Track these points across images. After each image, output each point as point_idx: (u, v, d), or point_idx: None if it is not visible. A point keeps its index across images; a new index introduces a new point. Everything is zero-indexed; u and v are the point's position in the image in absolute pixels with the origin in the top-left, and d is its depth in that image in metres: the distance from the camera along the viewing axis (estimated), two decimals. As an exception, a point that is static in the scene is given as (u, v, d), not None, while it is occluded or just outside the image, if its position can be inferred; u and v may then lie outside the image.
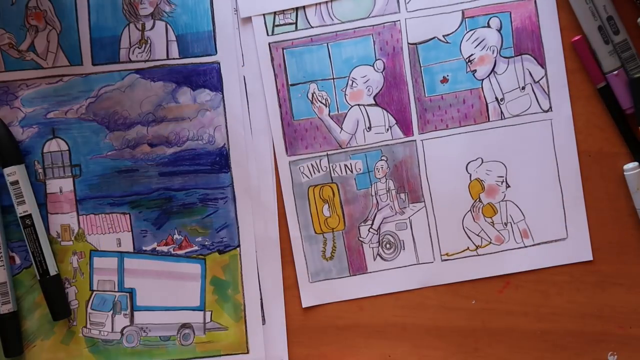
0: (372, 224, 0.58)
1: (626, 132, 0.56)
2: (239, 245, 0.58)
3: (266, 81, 0.57)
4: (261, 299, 0.58)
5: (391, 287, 0.58)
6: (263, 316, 0.58)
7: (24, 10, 0.57)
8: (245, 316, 0.58)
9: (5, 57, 0.57)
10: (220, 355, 0.58)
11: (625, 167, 0.56)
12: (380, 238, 0.58)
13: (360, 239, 0.58)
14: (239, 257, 0.58)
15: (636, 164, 0.56)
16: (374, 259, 0.58)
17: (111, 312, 0.58)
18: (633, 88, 0.55)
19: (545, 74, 0.57)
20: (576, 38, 0.56)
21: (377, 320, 0.57)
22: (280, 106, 0.57)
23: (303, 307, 0.57)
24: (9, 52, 0.57)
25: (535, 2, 0.56)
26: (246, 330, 0.58)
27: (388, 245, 0.58)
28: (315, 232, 0.58)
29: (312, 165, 0.58)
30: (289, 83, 0.57)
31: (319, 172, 0.58)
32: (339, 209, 0.58)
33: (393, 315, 0.57)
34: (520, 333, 0.57)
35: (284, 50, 0.57)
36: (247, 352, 0.58)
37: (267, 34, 0.57)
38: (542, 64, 0.57)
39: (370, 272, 0.58)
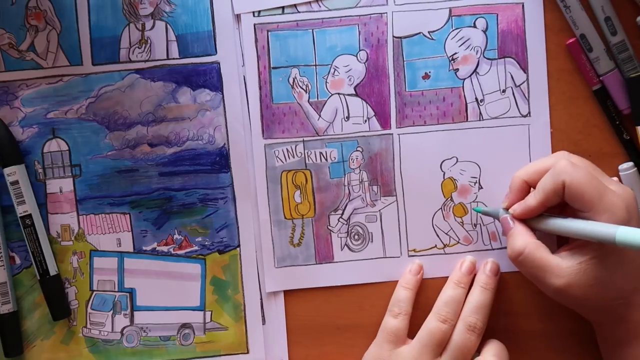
0: (342, 214, 0.58)
1: (621, 133, 0.56)
2: (239, 245, 0.58)
3: (248, 62, 0.57)
4: (261, 299, 0.58)
5: (356, 278, 0.57)
6: (263, 316, 0.58)
7: (24, 10, 0.57)
8: (245, 316, 0.58)
9: (5, 57, 0.57)
10: (220, 355, 0.58)
11: (620, 167, 0.56)
12: (349, 228, 0.58)
13: (329, 227, 0.58)
14: (239, 257, 0.58)
15: (631, 164, 0.56)
16: (341, 249, 0.57)
17: (111, 312, 0.58)
18: (629, 88, 0.55)
19: (527, 79, 0.56)
20: (571, 41, 0.56)
21: (377, 320, 0.57)
22: (260, 88, 0.57)
23: (267, 292, 0.57)
24: (9, 52, 0.57)
25: (522, 6, 0.56)
26: (246, 330, 0.58)
27: (356, 237, 0.58)
28: (285, 218, 0.58)
29: (287, 150, 0.57)
30: (271, 66, 0.57)
31: (293, 157, 0.57)
32: (311, 196, 0.58)
33: (393, 315, 0.57)
34: (520, 333, 0.57)
35: (269, 33, 0.57)
36: (247, 352, 0.58)
37: (253, 15, 0.57)
38: (525, 69, 0.56)
39: (336, 262, 0.58)
